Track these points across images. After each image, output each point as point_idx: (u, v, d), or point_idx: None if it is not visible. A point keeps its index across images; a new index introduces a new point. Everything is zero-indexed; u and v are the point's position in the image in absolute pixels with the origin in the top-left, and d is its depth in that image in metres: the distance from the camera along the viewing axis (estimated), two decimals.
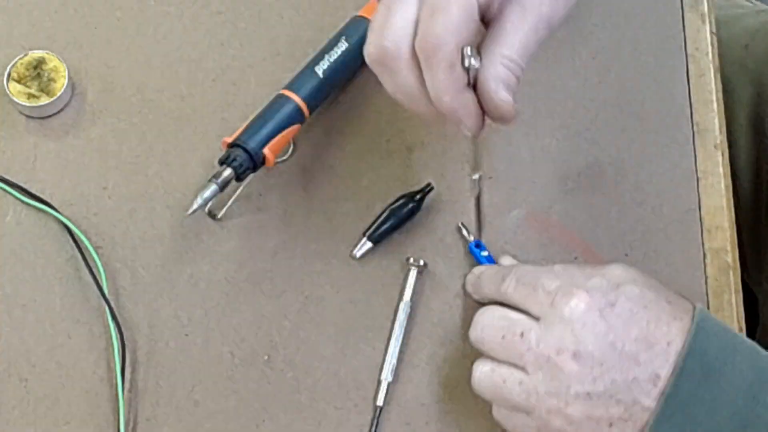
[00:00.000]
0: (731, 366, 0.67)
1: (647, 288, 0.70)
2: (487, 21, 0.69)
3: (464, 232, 0.80)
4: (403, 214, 0.80)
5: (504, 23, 0.67)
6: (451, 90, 0.67)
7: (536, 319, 0.70)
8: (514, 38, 0.67)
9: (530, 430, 0.71)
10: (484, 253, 0.79)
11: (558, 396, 0.68)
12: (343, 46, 0.83)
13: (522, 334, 0.70)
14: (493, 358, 0.71)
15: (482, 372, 0.72)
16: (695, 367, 0.67)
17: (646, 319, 0.68)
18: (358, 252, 0.80)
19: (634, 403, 0.67)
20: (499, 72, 0.67)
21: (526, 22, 0.67)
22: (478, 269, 0.78)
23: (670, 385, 0.67)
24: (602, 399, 0.67)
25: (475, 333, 0.73)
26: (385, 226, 0.80)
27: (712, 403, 0.66)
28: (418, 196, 0.80)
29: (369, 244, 0.80)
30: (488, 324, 0.72)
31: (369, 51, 0.68)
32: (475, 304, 0.79)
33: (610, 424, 0.68)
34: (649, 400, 0.67)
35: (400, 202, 0.80)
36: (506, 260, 0.79)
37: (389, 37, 0.67)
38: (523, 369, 0.70)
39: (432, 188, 0.81)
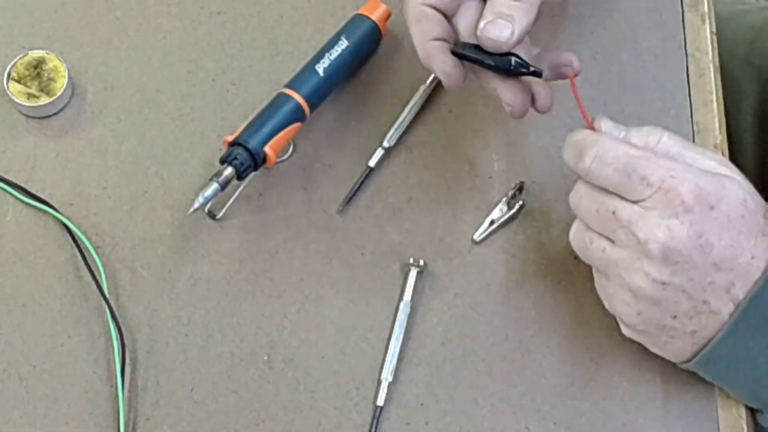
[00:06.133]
0: None
1: (750, 195, 0.70)
2: None
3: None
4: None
5: None
6: (419, 43, 0.75)
7: (630, 201, 0.69)
8: None
9: (605, 292, 0.73)
10: None
11: (634, 274, 0.69)
12: (343, 44, 0.83)
13: (614, 213, 0.69)
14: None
15: (577, 228, 0.73)
16: None
17: (738, 229, 0.69)
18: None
19: (704, 303, 0.69)
20: (492, 8, 0.73)
21: None
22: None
23: (748, 299, 0.69)
24: (675, 291, 0.69)
25: (574, 198, 0.72)
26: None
27: None
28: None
29: None
30: (585, 194, 0.71)
31: None
32: (476, 306, 0.79)
33: (674, 316, 0.70)
34: (719, 304, 0.69)
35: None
36: (606, 124, 0.73)
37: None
38: (611, 240, 0.70)
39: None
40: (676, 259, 0.68)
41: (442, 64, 0.75)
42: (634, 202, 0.69)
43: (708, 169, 0.70)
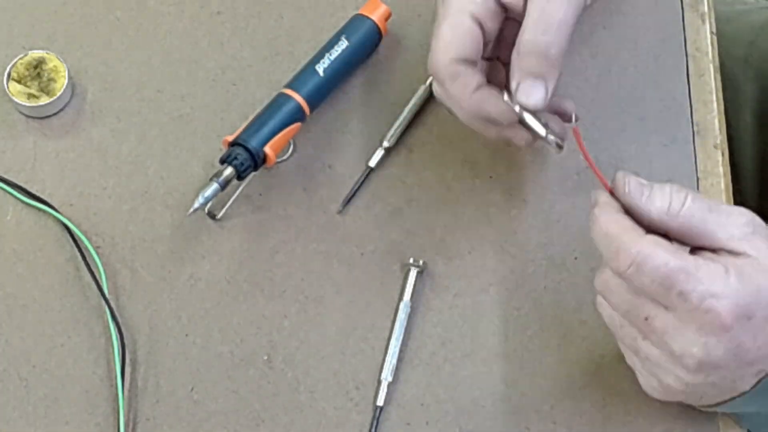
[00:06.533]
0: None
1: None
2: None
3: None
4: None
5: (528, 12, 0.73)
6: (463, 97, 0.75)
7: (664, 306, 0.67)
8: (536, 19, 0.72)
9: (632, 363, 0.72)
10: None
11: (665, 374, 0.68)
12: (343, 44, 0.83)
13: (647, 319, 0.67)
14: None
15: (605, 306, 0.71)
16: None
17: None
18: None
19: (731, 389, 0.69)
20: (521, 65, 0.72)
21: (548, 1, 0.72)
22: (597, 195, 0.70)
23: None
24: (706, 386, 0.68)
25: (603, 287, 0.69)
26: None
27: None
28: None
29: None
30: (615, 289, 0.69)
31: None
32: (476, 306, 0.79)
33: (701, 397, 0.70)
34: (745, 386, 0.69)
35: None
36: (630, 184, 0.69)
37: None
38: (643, 334, 0.68)
39: None
40: (711, 368, 0.67)
41: (499, 105, 0.74)
42: (666, 308, 0.67)
43: (735, 238, 0.67)
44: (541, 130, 0.75)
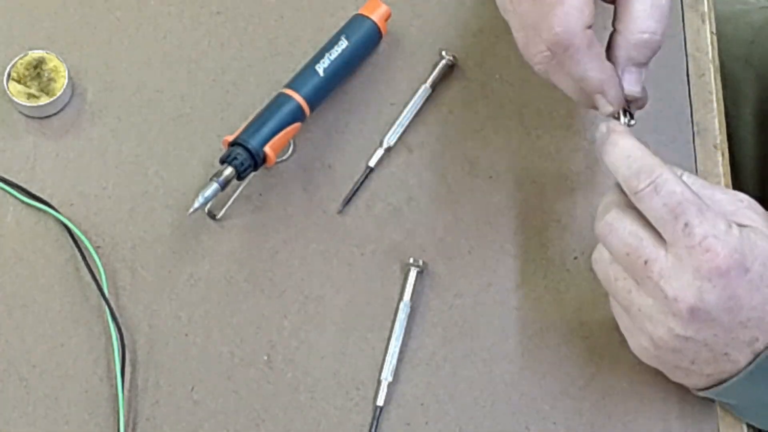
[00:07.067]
0: None
1: None
2: None
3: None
4: None
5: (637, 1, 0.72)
6: (594, 65, 0.72)
7: (665, 245, 0.67)
8: (649, 10, 0.72)
9: (623, 324, 0.72)
10: None
11: (657, 325, 0.68)
12: (343, 44, 0.83)
13: (646, 262, 0.67)
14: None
15: (601, 256, 0.71)
16: None
17: None
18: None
19: (725, 354, 0.69)
20: (630, 53, 0.72)
21: None
22: (612, 125, 0.72)
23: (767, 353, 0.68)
24: (697, 344, 0.68)
25: (603, 231, 0.70)
26: None
27: None
28: None
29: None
30: (617, 231, 0.69)
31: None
32: (476, 306, 0.79)
33: (692, 362, 0.70)
34: (739, 355, 0.69)
35: None
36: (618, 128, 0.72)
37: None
38: (637, 283, 0.69)
39: None
40: (703, 318, 0.67)
41: (618, 88, 0.73)
42: (666, 250, 0.67)
43: (730, 213, 0.68)
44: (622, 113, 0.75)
